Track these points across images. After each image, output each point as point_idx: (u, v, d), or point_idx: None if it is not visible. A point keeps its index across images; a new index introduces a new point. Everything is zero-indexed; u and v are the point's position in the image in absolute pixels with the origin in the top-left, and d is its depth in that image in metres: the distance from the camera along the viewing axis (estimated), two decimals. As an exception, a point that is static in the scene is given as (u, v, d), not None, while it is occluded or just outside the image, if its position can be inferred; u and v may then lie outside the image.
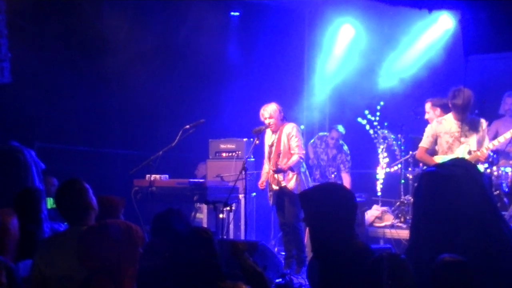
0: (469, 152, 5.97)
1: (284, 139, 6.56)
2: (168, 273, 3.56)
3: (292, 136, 6.55)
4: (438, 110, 6.97)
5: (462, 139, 6.09)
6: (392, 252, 3.63)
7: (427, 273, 3.21)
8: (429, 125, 6.35)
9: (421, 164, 7.87)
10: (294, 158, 6.51)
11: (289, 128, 6.59)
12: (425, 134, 6.35)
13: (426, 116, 7.11)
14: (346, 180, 8.25)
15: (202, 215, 7.73)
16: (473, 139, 6.07)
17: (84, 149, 8.34)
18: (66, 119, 8.04)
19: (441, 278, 3.07)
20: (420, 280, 3.33)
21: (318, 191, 3.71)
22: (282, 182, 6.56)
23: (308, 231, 3.66)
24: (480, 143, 6.07)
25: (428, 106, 7.12)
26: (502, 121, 7.52)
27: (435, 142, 6.26)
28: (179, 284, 3.43)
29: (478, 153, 5.93)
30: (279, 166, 6.48)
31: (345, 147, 8.36)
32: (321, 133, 8.65)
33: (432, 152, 6.39)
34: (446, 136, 6.15)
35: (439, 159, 6.01)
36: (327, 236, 3.43)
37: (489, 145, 6.09)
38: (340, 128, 8.31)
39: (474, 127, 6.11)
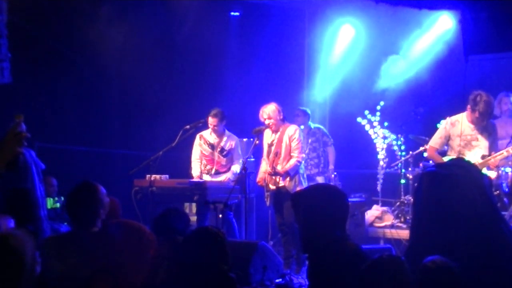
0: (483, 157, 5.88)
1: (286, 139, 6.56)
2: (174, 274, 3.52)
3: (294, 138, 6.55)
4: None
5: (474, 143, 5.97)
6: (391, 254, 3.61)
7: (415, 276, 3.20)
8: (442, 126, 6.18)
9: (421, 164, 7.88)
10: (292, 162, 6.51)
11: (292, 130, 6.59)
12: (436, 134, 6.19)
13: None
14: (332, 153, 8.29)
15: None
16: (484, 143, 5.96)
17: (84, 149, 8.35)
18: (66, 119, 8.04)
19: (426, 283, 3.05)
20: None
21: (310, 192, 3.70)
22: (280, 183, 6.55)
23: (298, 230, 3.65)
24: (491, 147, 5.97)
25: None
26: (498, 122, 7.48)
27: (446, 143, 6.13)
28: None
29: (492, 160, 5.84)
30: (276, 170, 6.48)
31: (320, 126, 8.41)
32: (302, 127, 8.62)
33: (442, 153, 6.31)
34: (458, 139, 6.02)
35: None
36: (317, 236, 3.42)
37: (503, 153, 5.96)
38: (308, 111, 8.35)
39: (487, 131, 6.00)
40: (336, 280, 3.25)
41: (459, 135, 6.03)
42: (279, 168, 6.52)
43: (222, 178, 7.06)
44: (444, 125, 6.16)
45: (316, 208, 3.45)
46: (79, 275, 3.26)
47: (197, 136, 7.25)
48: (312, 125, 8.35)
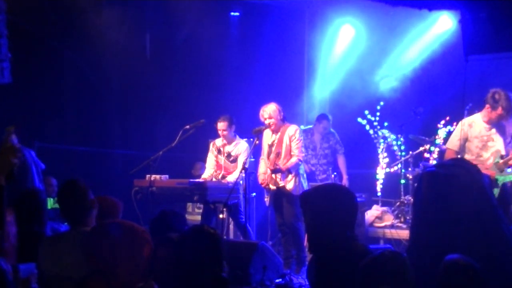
0: (502, 157, 5.80)
1: (286, 140, 6.56)
2: (168, 272, 3.52)
3: (294, 138, 6.56)
4: None
5: (490, 144, 5.87)
6: (393, 251, 3.61)
7: (431, 273, 3.19)
8: (458, 127, 6.03)
9: (421, 164, 7.88)
10: (293, 160, 6.51)
11: (292, 130, 6.59)
12: (454, 136, 6.07)
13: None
14: (342, 162, 8.21)
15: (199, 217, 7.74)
16: (500, 143, 5.88)
17: (84, 149, 8.35)
18: (66, 119, 8.05)
19: (449, 279, 3.04)
20: (420, 281, 3.32)
21: (320, 191, 3.69)
22: (280, 183, 6.55)
23: (306, 230, 3.64)
24: (506, 146, 5.89)
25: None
26: None
27: (464, 145, 5.97)
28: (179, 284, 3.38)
29: None
30: (277, 167, 6.48)
31: (334, 132, 8.33)
32: (303, 127, 8.60)
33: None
34: (476, 141, 5.92)
35: None
36: (326, 236, 3.42)
37: None
38: (329, 117, 8.28)
39: (501, 130, 5.92)
40: (345, 280, 3.23)
41: (476, 136, 5.91)
42: (279, 167, 6.52)
43: None
44: (461, 127, 5.99)
45: (326, 208, 3.44)
46: (74, 276, 3.25)
47: (210, 144, 7.25)
48: (332, 131, 8.26)
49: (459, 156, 5.96)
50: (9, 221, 3.78)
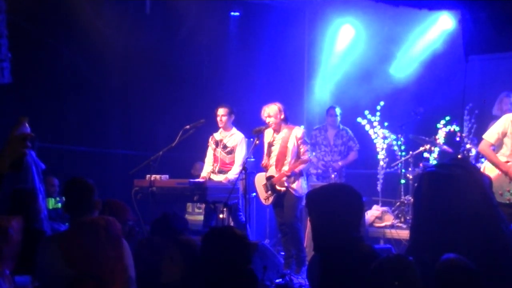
0: None
1: (293, 141, 6.55)
2: (195, 271, 3.49)
3: (303, 141, 6.58)
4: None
5: None
6: (399, 254, 3.60)
7: (431, 273, 3.19)
8: (501, 121, 5.88)
9: (421, 164, 7.88)
10: (305, 163, 6.54)
11: (300, 132, 6.59)
12: (493, 128, 5.92)
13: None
14: (352, 156, 8.24)
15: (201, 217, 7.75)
16: None
17: (84, 149, 8.35)
18: (66, 119, 8.04)
19: (445, 280, 3.04)
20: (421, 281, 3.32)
21: (326, 191, 3.68)
22: (284, 183, 6.54)
23: (311, 229, 3.63)
24: None
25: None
26: None
27: (501, 139, 5.83)
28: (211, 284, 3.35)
29: None
30: (294, 170, 6.46)
31: (347, 129, 8.33)
32: (316, 127, 8.62)
33: None
34: None
35: (502, 158, 5.76)
36: (332, 237, 3.40)
37: None
38: (338, 109, 8.29)
39: None
40: (352, 282, 3.22)
41: None
42: (285, 168, 6.50)
43: (222, 178, 6.97)
44: (503, 121, 5.86)
45: (332, 208, 3.42)
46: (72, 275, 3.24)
47: (210, 138, 7.25)
48: (341, 126, 8.30)
49: (492, 148, 5.89)
50: (16, 229, 3.77)
